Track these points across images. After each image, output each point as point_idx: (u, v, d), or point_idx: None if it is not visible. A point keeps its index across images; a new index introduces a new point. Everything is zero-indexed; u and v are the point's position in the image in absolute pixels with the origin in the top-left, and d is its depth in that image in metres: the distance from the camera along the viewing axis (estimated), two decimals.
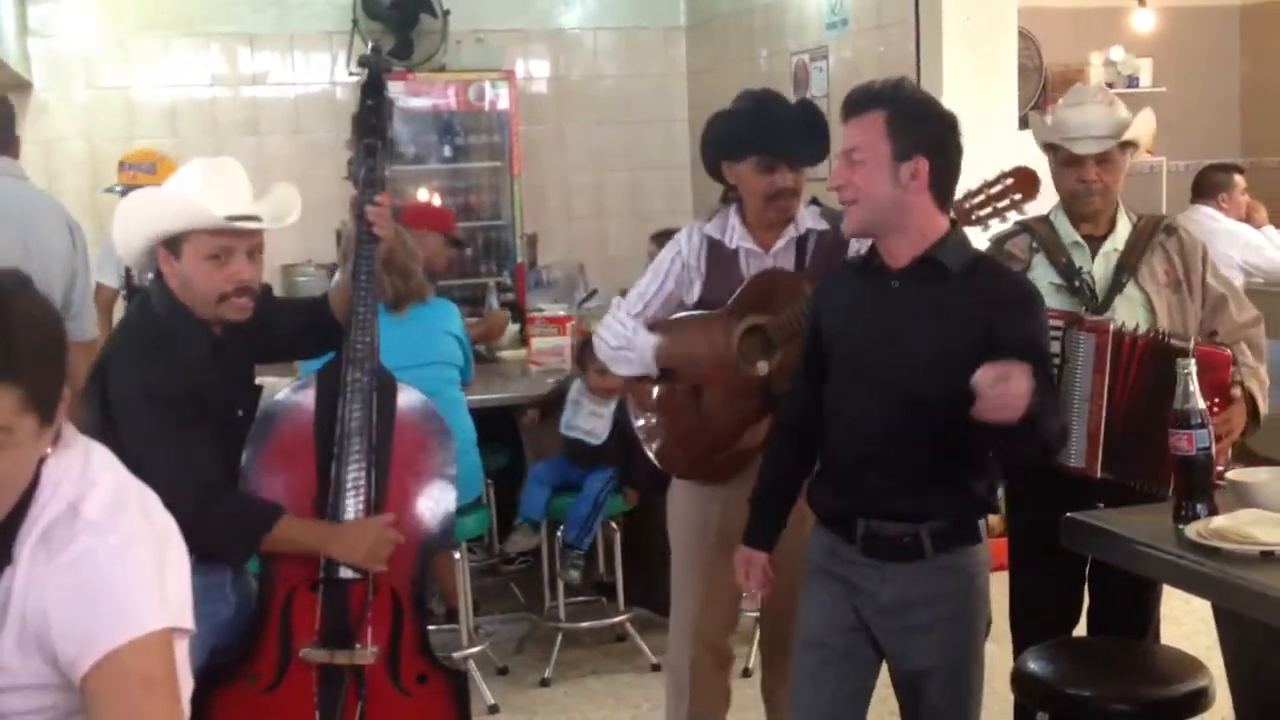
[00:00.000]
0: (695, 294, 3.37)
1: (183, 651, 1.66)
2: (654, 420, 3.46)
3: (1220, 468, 2.79)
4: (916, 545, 2.61)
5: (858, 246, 3.24)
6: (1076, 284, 3.24)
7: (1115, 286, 3.25)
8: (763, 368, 3.22)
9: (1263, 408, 3.16)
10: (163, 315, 2.78)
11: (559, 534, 4.88)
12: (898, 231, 2.59)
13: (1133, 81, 8.08)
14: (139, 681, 1.55)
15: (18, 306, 1.53)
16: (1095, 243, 3.31)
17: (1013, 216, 3.03)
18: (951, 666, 2.68)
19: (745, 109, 3.33)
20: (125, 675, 1.54)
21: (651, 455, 3.50)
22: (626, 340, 3.40)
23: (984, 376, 2.32)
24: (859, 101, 2.59)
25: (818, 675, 2.73)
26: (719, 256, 3.34)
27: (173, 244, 2.74)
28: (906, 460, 2.59)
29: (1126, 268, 3.26)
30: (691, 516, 3.45)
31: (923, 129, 2.56)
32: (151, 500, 1.71)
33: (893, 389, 2.58)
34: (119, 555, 1.58)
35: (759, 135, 3.22)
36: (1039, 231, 3.33)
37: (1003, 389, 2.31)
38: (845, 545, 2.68)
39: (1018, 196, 3.00)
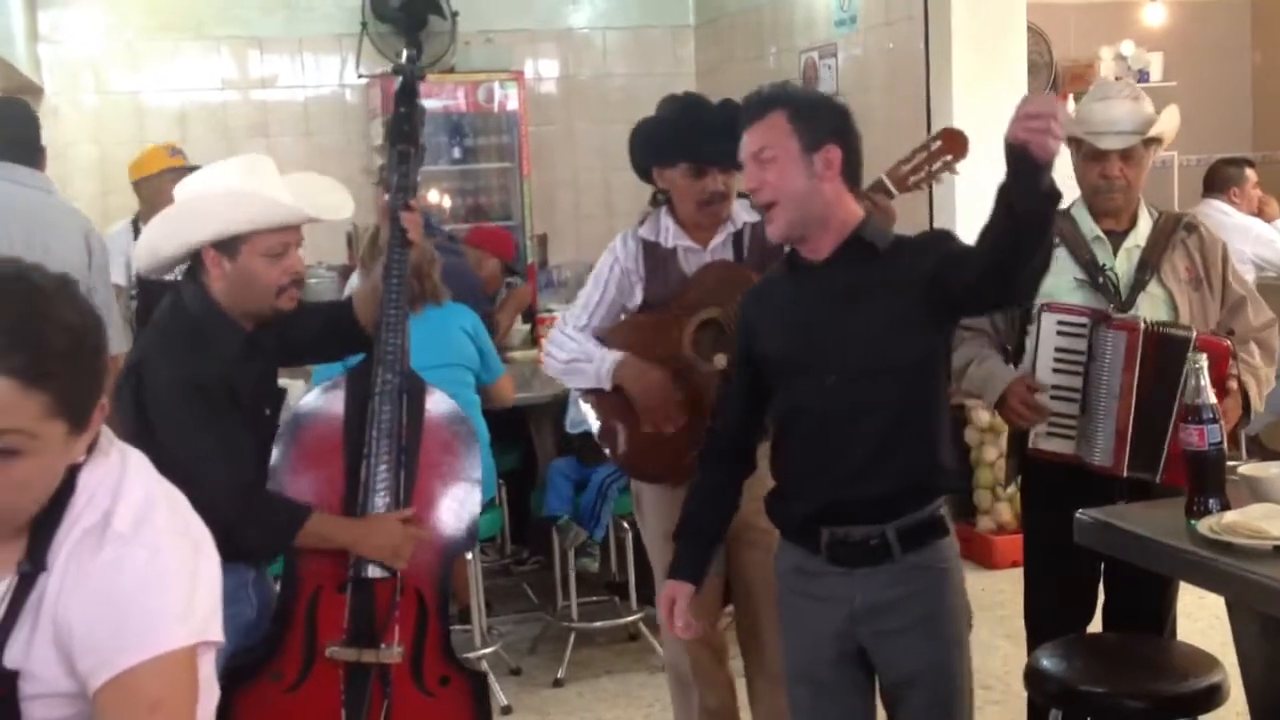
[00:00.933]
0: (637, 298, 3.37)
1: (209, 663, 1.65)
2: (616, 426, 3.43)
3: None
4: (884, 546, 2.56)
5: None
6: (1100, 280, 3.22)
7: (1138, 284, 3.23)
8: (720, 360, 3.22)
9: (1258, 405, 3.16)
10: (198, 315, 2.80)
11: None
12: (820, 226, 2.56)
13: (1143, 76, 8.05)
14: (146, 706, 1.52)
15: (53, 309, 1.51)
16: (1116, 238, 3.28)
17: (946, 178, 3.04)
18: (934, 668, 2.62)
19: (671, 114, 3.34)
20: (135, 696, 1.52)
21: (617, 461, 3.49)
22: (580, 352, 3.38)
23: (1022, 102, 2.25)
24: (755, 106, 2.58)
25: (815, 710, 2.69)
26: (657, 258, 3.35)
27: (229, 244, 2.75)
28: (871, 442, 2.54)
29: (1149, 265, 3.23)
30: (663, 520, 3.42)
31: (825, 118, 2.56)
32: (184, 507, 1.68)
33: (846, 374, 2.54)
34: (145, 569, 1.55)
35: (688, 141, 3.24)
36: (1059, 225, 3.31)
37: (1049, 106, 2.19)
38: (811, 556, 2.63)
39: (949, 157, 3.03)
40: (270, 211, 2.77)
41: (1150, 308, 3.20)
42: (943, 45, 5.71)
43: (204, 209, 2.79)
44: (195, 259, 2.81)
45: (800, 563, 2.66)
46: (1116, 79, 7.94)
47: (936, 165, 3.04)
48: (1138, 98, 3.31)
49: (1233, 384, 3.03)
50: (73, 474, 1.58)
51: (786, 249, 2.68)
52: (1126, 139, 3.22)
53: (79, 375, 1.52)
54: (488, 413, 4.67)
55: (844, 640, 2.63)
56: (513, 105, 7.61)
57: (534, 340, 6.06)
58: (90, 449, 1.60)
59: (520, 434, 5.56)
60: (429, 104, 7.36)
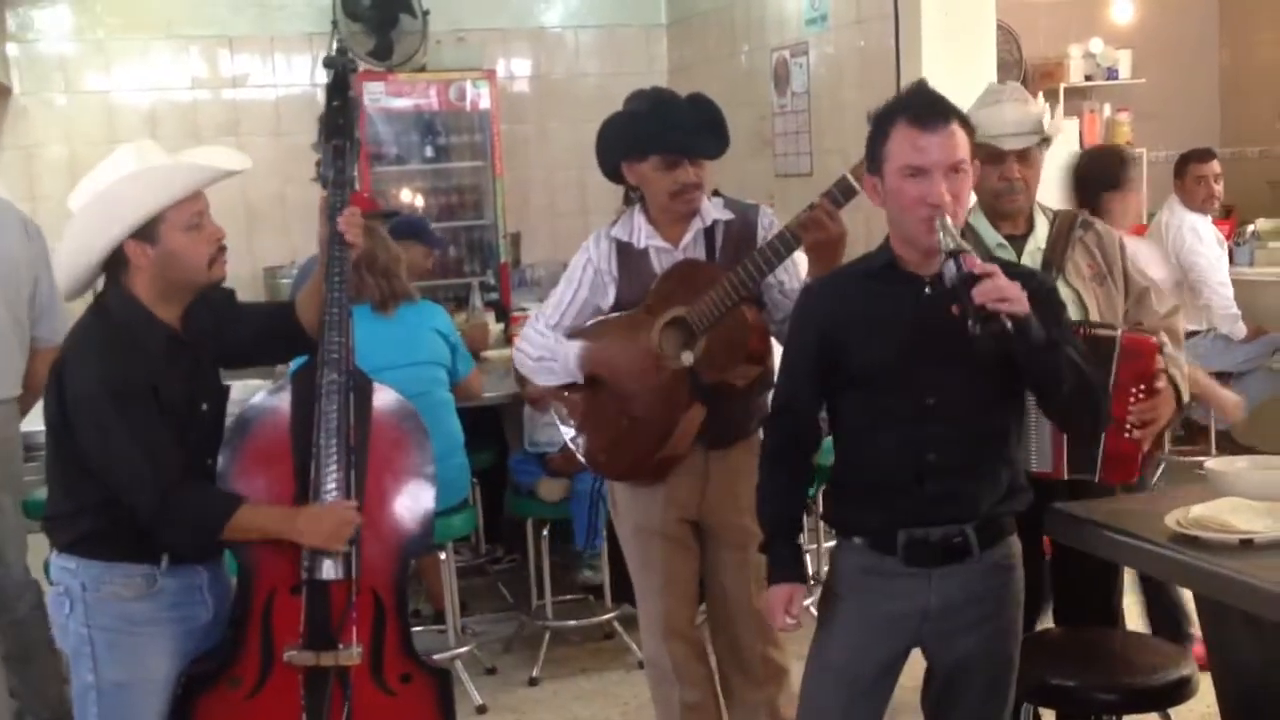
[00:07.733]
0: (610, 298, 3.38)
1: None
2: (583, 429, 3.44)
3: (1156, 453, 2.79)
4: (965, 545, 2.57)
5: (763, 233, 3.28)
6: None
7: None
8: (687, 358, 3.23)
9: (1185, 396, 3.16)
10: (118, 317, 2.77)
11: (544, 534, 4.88)
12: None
13: (1112, 73, 8.10)
14: None
15: None
16: (1017, 242, 3.28)
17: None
18: (995, 664, 2.65)
19: (641, 109, 3.34)
20: None
21: (584, 461, 3.50)
22: (549, 350, 3.39)
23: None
24: (944, 110, 2.53)
25: (849, 710, 2.68)
26: (629, 258, 3.36)
27: (147, 230, 2.72)
28: (963, 462, 2.55)
29: (1053, 265, 3.23)
30: (637, 518, 3.44)
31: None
32: None
33: (947, 398, 2.53)
34: None
35: (659, 134, 3.25)
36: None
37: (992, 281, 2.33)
38: (886, 558, 2.60)
39: None
40: (184, 177, 2.74)
41: None
42: (913, 43, 5.72)
43: (115, 197, 2.73)
44: (112, 262, 2.76)
45: (873, 564, 2.63)
46: (1088, 77, 8.04)
47: None
48: (1026, 100, 3.35)
49: (1160, 382, 3.02)
50: None
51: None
52: (1025, 139, 3.24)
53: None
54: (462, 411, 4.67)
55: (902, 640, 2.65)
56: (485, 104, 7.60)
57: (507, 339, 6.05)
58: None
59: (494, 433, 5.56)
60: (400, 103, 7.49)
